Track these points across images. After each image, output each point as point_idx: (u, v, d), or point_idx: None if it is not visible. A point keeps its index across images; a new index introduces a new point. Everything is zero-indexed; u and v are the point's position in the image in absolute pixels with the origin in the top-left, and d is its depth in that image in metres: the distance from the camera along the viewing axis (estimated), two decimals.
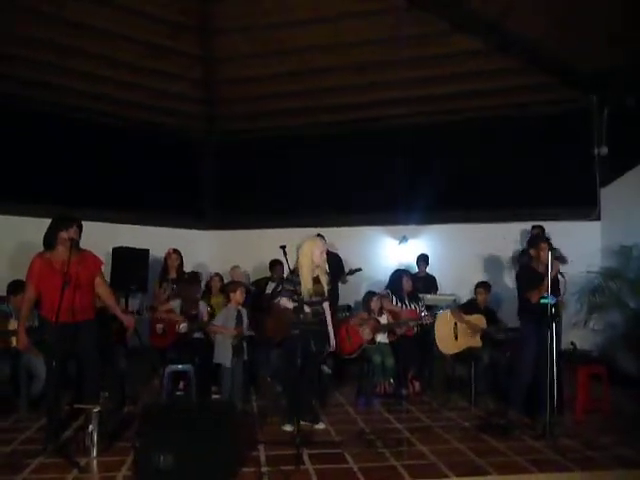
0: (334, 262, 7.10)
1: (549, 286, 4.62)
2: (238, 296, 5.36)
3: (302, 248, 4.75)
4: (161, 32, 7.32)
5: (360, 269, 7.48)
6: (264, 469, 3.76)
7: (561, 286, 5.05)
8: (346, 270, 7.44)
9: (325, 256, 4.80)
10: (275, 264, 7.03)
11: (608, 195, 7.71)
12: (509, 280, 7.26)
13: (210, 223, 9.18)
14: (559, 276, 4.98)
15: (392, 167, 8.26)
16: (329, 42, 7.41)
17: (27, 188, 7.31)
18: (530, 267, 5.21)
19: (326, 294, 4.81)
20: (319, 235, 6.61)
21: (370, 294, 6.24)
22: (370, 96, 8.26)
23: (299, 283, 4.64)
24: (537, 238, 5.39)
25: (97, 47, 7.28)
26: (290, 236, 5.07)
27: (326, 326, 4.83)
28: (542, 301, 4.91)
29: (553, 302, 4.67)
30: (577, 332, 6.30)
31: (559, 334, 4.84)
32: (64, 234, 4.22)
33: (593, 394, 5.30)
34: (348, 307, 7.39)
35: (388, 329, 6.01)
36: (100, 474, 3.70)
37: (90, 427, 3.92)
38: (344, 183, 8.53)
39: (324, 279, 4.79)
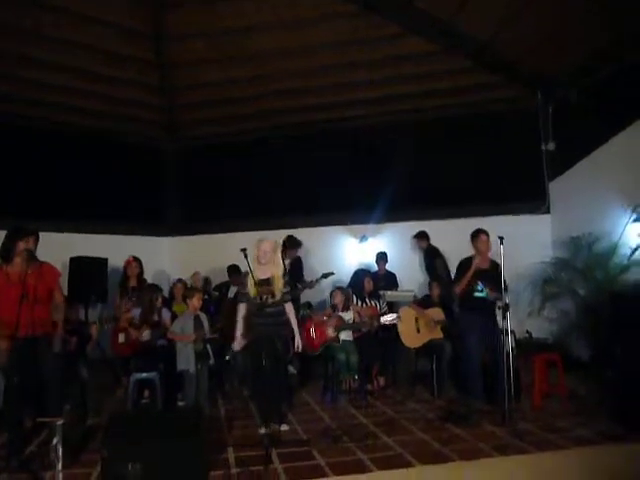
0: (296, 265, 7.17)
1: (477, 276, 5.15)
2: (195, 302, 5.39)
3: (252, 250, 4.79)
4: (117, 39, 7.24)
5: (333, 273, 7.49)
6: (234, 470, 3.78)
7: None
8: (319, 275, 7.46)
9: (273, 256, 4.79)
10: (232, 271, 7.02)
11: (557, 188, 8.01)
12: None
13: (170, 229, 9.11)
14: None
15: (351, 167, 8.39)
16: (287, 46, 7.48)
17: None
18: (467, 261, 5.36)
19: (277, 294, 4.75)
20: (290, 237, 6.65)
21: (337, 289, 6.32)
22: (329, 98, 8.38)
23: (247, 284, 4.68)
24: (476, 232, 5.40)
25: (51, 54, 7.14)
26: (251, 239, 5.08)
27: (289, 327, 4.85)
28: (476, 294, 5.19)
29: (485, 295, 5.12)
30: (533, 321, 6.54)
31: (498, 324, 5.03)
32: (22, 245, 4.13)
33: (549, 380, 5.52)
34: (309, 305, 7.42)
35: (352, 328, 6.09)
36: None
37: (54, 440, 3.85)
38: (305, 184, 8.59)
39: (277, 280, 4.75)
